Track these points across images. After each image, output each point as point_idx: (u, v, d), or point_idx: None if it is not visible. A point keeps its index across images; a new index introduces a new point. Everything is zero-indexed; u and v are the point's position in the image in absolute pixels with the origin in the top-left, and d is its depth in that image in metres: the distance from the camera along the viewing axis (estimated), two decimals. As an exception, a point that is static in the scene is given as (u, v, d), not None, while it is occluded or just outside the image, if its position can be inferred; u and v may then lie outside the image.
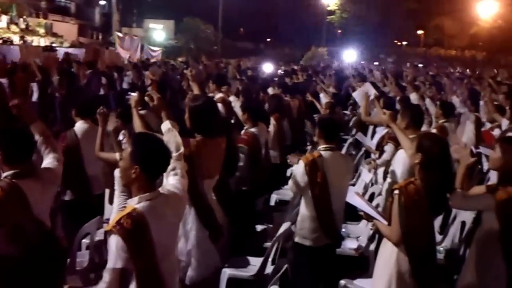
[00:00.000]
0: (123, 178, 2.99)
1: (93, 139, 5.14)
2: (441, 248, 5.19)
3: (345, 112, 12.79)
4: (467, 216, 5.17)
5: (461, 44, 47.54)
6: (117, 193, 4.55)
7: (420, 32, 50.21)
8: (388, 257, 3.60)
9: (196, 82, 5.99)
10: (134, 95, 4.47)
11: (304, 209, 4.69)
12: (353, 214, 6.31)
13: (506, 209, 3.59)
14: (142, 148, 2.85)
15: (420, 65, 29.61)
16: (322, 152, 4.62)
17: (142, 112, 6.93)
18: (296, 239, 4.73)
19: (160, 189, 2.95)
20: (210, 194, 4.15)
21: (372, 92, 8.47)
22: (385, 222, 3.57)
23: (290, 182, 4.73)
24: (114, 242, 2.66)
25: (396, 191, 3.52)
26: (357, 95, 8.94)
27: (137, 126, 4.06)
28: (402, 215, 3.47)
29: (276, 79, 13.39)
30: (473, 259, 3.81)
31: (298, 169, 4.61)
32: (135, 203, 2.79)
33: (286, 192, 6.83)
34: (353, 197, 3.85)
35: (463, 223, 5.28)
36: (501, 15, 44.51)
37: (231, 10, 37.20)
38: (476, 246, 3.82)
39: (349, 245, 5.30)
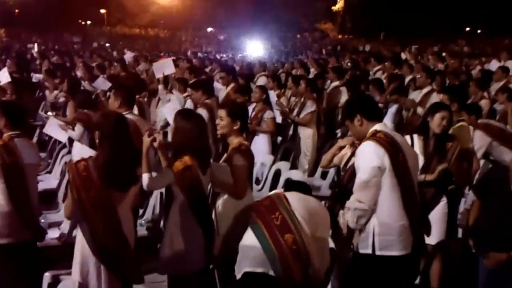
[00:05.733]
0: None
1: None
2: (143, 221, 5.43)
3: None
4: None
5: (144, 22, 48.93)
6: None
7: (103, 11, 50.00)
8: None
9: None
10: None
11: None
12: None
13: (184, 178, 3.82)
14: None
15: (107, 45, 29.60)
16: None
17: None
18: None
19: None
20: None
21: None
22: None
23: None
24: None
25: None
26: None
27: None
28: (71, 191, 3.61)
29: None
30: (171, 228, 3.97)
31: None
32: None
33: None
34: None
35: (161, 194, 5.55)
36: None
37: None
38: (172, 216, 3.98)
39: (51, 235, 5.11)
